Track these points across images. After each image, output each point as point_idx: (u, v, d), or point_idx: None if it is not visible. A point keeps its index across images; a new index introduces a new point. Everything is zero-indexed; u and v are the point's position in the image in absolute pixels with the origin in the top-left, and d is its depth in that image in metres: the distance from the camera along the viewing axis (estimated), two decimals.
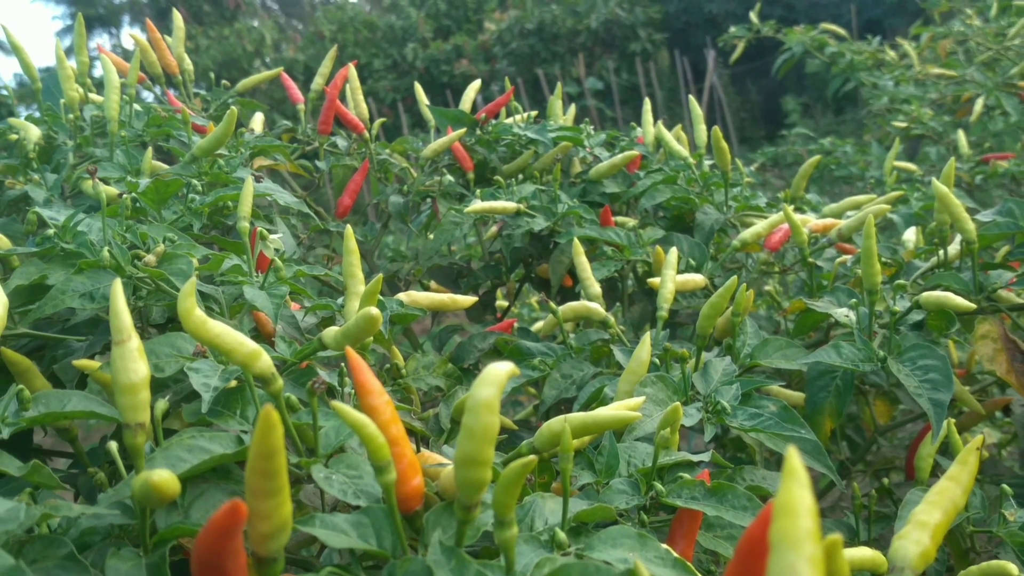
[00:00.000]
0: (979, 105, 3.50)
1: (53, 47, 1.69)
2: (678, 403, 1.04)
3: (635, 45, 15.32)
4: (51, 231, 1.13)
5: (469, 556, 0.68)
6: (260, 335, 1.26)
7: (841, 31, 4.76)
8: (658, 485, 0.95)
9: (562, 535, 0.76)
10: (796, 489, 0.41)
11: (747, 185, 2.15)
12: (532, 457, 0.63)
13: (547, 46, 15.78)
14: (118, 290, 0.73)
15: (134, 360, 0.73)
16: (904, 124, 3.56)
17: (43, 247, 1.13)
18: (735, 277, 1.33)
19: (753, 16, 4.93)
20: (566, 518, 0.79)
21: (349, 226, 1.17)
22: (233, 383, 0.96)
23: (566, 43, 15.74)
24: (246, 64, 16.60)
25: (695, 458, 1.04)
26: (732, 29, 5.17)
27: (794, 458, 0.41)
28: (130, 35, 2.13)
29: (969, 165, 3.18)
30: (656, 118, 2.29)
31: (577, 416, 0.92)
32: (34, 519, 0.67)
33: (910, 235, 1.99)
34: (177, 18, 2.25)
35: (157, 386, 0.99)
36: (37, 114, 1.83)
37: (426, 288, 2.14)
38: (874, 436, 1.81)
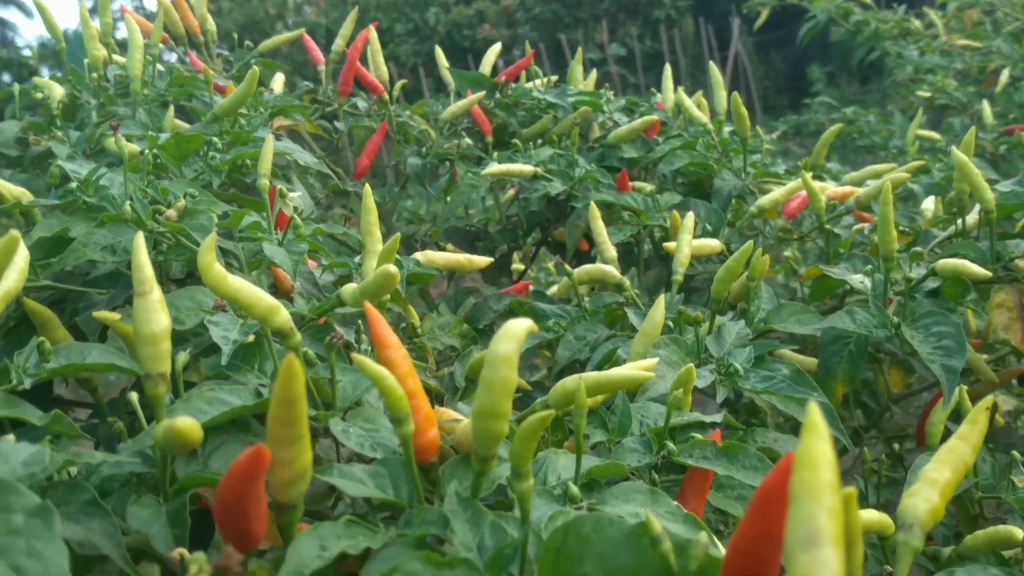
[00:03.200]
0: (1005, 76, 3.47)
1: (77, 9, 1.70)
2: (691, 364, 1.05)
3: (659, 12, 15.15)
4: (73, 184, 1.14)
5: (484, 507, 0.70)
6: (279, 291, 1.27)
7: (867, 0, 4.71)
8: (670, 444, 0.96)
9: (575, 489, 0.78)
10: (817, 442, 0.42)
11: (767, 152, 2.15)
12: (550, 411, 0.64)
13: (570, 11, 15.61)
14: (140, 243, 0.75)
15: (156, 311, 0.75)
16: (928, 94, 3.53)
17: (65, 200, 1.14)
18: (751, 242, 1.34)
19: None
20: (579, 473, 0.80)
21: (367, 185, 1.18)
22: (251, 337, 0.98)
23: (589, 9, 15.58)
24: (268, 27, 16.50)
25: (707, 419, 1.05)
26: None
27: (815, 412, 0.43)
28: None
29: (993, 135, 3.15)
30: (679, 85, 2.28)
31: (592, 375, 0.93)
32: (57, 465, 0.69)
33: (929, 204, 1.99)
34: None
35: (177, 339, 1.00)
36: (60, 74, 1.84)
37: (443, 250, 2.15)
38: (888, 404, 1.82)
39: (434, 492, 0.78)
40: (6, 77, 16.45)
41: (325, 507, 1.05)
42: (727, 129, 2.10)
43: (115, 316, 1.05)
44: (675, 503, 0.80)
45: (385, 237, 2.08)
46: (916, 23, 4.71)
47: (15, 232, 0.57)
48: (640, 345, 1.22)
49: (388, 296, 1.16)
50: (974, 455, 0.70)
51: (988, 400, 0.74)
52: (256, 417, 0.86)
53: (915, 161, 1.97)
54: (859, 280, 1.44)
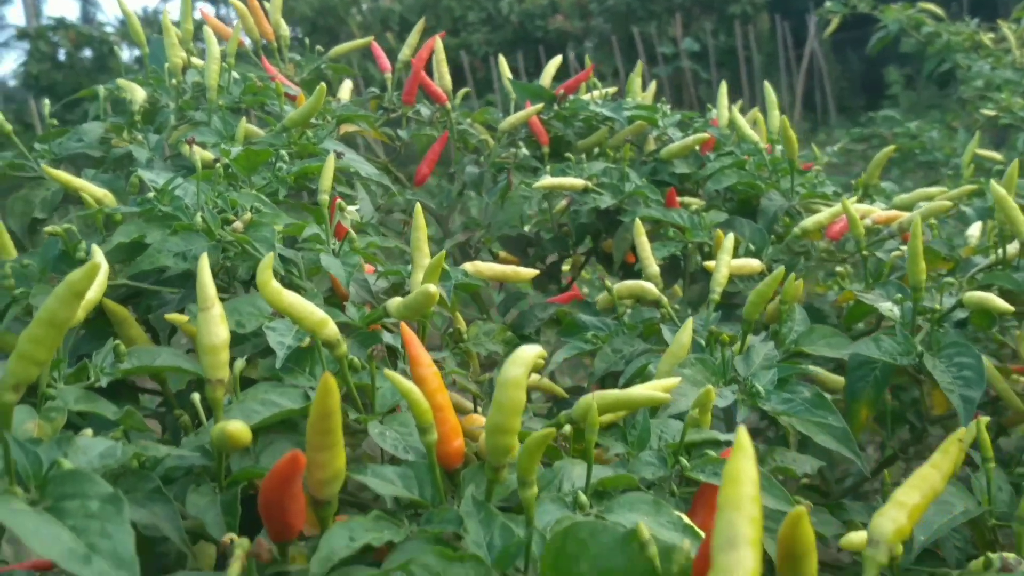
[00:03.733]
0: None
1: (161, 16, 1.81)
2: (710, 387, 1.12)
3: (735, 7, 14.99)
4: (151, 194, 1.25)
5: (497, 510, 0.78)
6: (335, 295, 1.37)
7: (938, 11, 4.68)
8: (683, 460, 1.04)
9: (583, 497, 0.86)
10: (743, 461, 0.51)
11: (818, 172, 2.19)
12: (550, 430, 0.72)
13: (644, 4, 15.51)
14: (204, 263, 0.84)
15: (216, 325, 0.85)
16: (993, 112, 3.52)
17: (143, 207, 1.25)
18: (782, 268, 1.40)
19: None
20: (589, 483, 0.88)
21: (419, 204, 1.27)
22: (306, 342, 1.07)
23: (664, 2, 15.46)
24: (342, 12, 16.50)
25: (723, 437, 1.12)
26: (828, 3, 5.12)
27: (743, 436, 0.51)
28: (232, 1, 2.25)
29: None
30: (753, 84, 2.33)
31: (610, 393, 1.01)
32: (127, 457, 0.79)
33: (974, 231, 2.01)
34: None
35: (239, 339, 1.10)
36: (137, 53, 1.96)
37: (495, 255, 2.24)
38: (924, 426, 1.85)
39: (456, 494, 0.87)
40: (87, 52, 16.81)
41: (368, 498, 1.15)
42: (779, 148, 2.15)
43: (184, 318, 1.15)
44: (677, 514, 0.87)
45: (441, 241, 2.18)
46: (988, 36, 4.67)
47: (96, 263, 0.66)
48: (667, 364, 1.29)
49: (433, 309, 1.24)
50: (944, 482, 0.77)
51: (960, 432, 0.81)
52: (304, 418, 0.96)
53: (967, 185, 2.00)
54: (888, 308, 1.50)
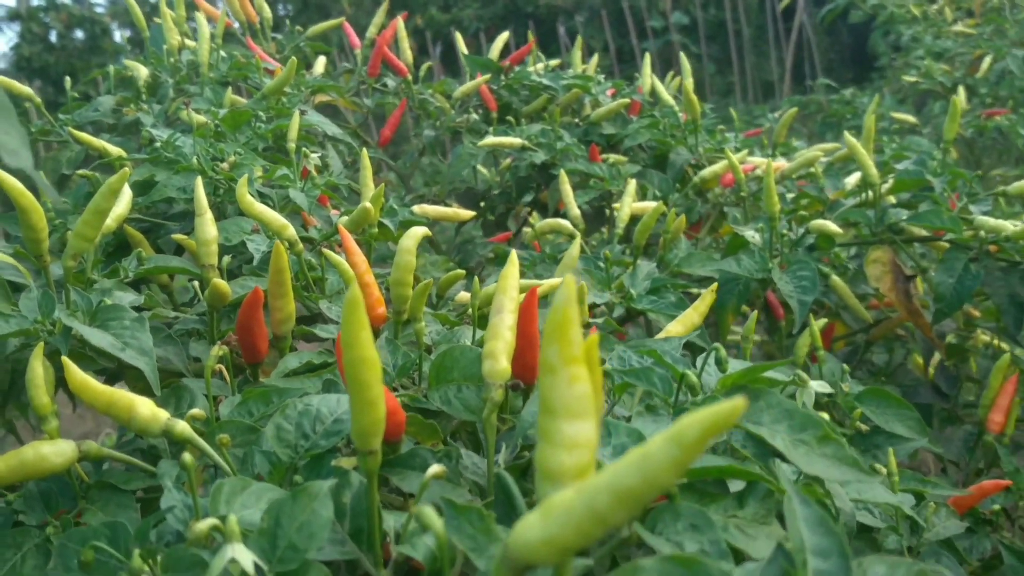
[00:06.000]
0: (986, 63, 3.79)
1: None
2: (583, 283, 1.48)
3: None
4: (158, 144, 1.61)
5: (399, 344, 1.15)
6: (305, 226, 1.73)
7: None
8: None
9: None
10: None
11: (722, 131, 2.56)
12: (429, 281, 1.08)
13: None
14: (199, 184, 1.21)
15: (208, 225, 1.21)
16: (914, 79, 3.87)
17: (152, 156, 1.61)
18: (660, 203, 1.76)
19: None
20: (474, 339, 1.25)
21: (364, 150, 1.63)
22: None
23: None
24: None
25: (592, 322, 1.48)
26: None
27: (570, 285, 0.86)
28: None
29: (966, 120, 3.48)
30: (742, 57, 2.69)
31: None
32: (147, 317, 1.16)
33: (852, 179, 2.37)
34: None
35: (227, 250, 1.46)
36: (129, 33, 2.32)
37: (448, 207, 2.60)
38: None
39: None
40: (79, 33, 16.89)
41: None
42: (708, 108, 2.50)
43: (185, 237, 1.51)
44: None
45: (403, 197, 2.52)
46: (931, 8, 5.01)
47: (126, 169, 1.02)
48: (559, 272, 1.65)
49: (376, 230, 1.60)
50: (700, 319, 1.14)
51: (713, 286, 1.17)
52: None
53: (836, 144, 2.37)
54: (751, 235, 1.86)
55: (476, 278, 1.22)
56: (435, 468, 0.73)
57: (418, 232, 1.08)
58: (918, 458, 2.53)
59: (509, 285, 0.86)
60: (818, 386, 1.06)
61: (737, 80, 14.44)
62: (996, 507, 1.49)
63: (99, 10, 18.08)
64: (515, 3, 16.25)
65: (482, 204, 2.61)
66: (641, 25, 14.93)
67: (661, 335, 1.11)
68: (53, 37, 16.19)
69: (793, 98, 4.82)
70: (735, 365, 0.92)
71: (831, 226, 1.77)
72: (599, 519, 0.46)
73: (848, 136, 1.94)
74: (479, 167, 2.64)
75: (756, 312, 1.40)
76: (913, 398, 2.01)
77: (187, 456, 0.69)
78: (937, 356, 2.16)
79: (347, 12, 15.68)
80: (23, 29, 15.89)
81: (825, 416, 1.19)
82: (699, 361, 0.93)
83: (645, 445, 0.45)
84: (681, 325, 1.11)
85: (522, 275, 1.95)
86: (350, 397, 0.64)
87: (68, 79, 2.07)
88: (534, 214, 2.54)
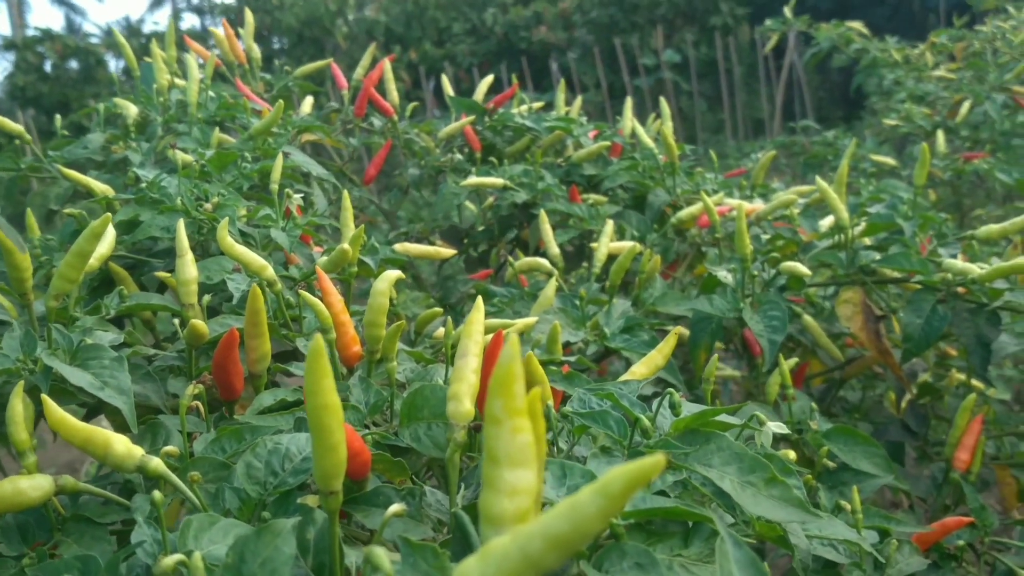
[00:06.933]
0: (965, 108, 3.86)
1: (151, 49, 2.22)
2: (557, 323, 1.51)
3: (716, 19, 15.29)
4: (144, 185, 1.65)
5: (372, 382, 1.18)
6: (286, 265, 1.77)
7: (864, 30, 5.11)
8: None
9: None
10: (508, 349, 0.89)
11: (701, 172, 2.61)
12: (402, 323, 1.12)
13: (627, 16, 15.77)
14: (181, 226, 1.25)
15: (189, 266, 1.25)
16: (894, 122, 3.94)
17: (137, 195, 1.65)
18: (635, 244, 1.81)
19: (787, 10, 5.32)
20: (446, 378, 1.28)
21: (346, 192, 1.67)
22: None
23: (646, 14, 15.74)
24: (328, 23, 16.28)
25: (565, 360, 1.51)
26: (768, 22, 5.55)
27: (513, 342, 0.90)
28: (211, 30, 2.66)
29: (945, 163, 3.55)
30: (733, 94, 2.74)
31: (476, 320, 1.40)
32: (128, 353, 1.19)
33: (826, 221, 2.43)
34: (248, 15, 2.77)
35: (209, 288, 1.50)
36: (123, 64, 2.36)
37: (432, 244, 2.64)
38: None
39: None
40: (74, 63, 16.97)
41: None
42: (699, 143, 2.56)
43: (168, 275, 1.55)
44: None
45: (388, 233, 2.56)
46: (913, 52, 5.10)
47: (108, 215, 1.06)
48: (535, 312, 1.69)
49: (356, 269, 1.63)
50: (664, 360, 1.17)
51: (677, 329, 1.21)
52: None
53: (810, 186, 2.42)
54: (724, 275, 1.90)
55: (449, 319, 1.26)
56: (395, 507, 0.76)
57: (391, 276, 1.12)
58: (898, 495, 2.56)
59: (474, 330, 0.90)
60: (775, 427, 1.10)
61: (728, 117, 14.59)
62: (961, 543, 1.52)
63: (94, 41, 18.25)
64: (508, 39, 16.41)
65: (465, 241, 2.65)
66: (633, 62, 15.09)
67: (624, 376, 1.14)
68: (48, 67, 16.34)
69: (778, 139, 4.90)
70: (689, 408, 0.95)
71: (801, 268, 1.82)
72: (532, 564, 0.49)
73: (820, 181, 1.99)
74: (466, 203, 2.69)
75: (716, 356, 1.44)
76: (884, 436, 2.04)
77: (156, 493, 0.73)
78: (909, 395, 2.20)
79: (342, 47, 15.85)
80: (18, 58, 16.03)
81: (792, 454, 1.24)
82: (655, 404, 0.96)
83: (575, 495, 0.49)
84: (645, 367, 1.15)
85: (500, 312, 2.00)
86: (312, 441, 0.68)
87: (58, 117, 2.12)
88: (517, 251, 2.58)
